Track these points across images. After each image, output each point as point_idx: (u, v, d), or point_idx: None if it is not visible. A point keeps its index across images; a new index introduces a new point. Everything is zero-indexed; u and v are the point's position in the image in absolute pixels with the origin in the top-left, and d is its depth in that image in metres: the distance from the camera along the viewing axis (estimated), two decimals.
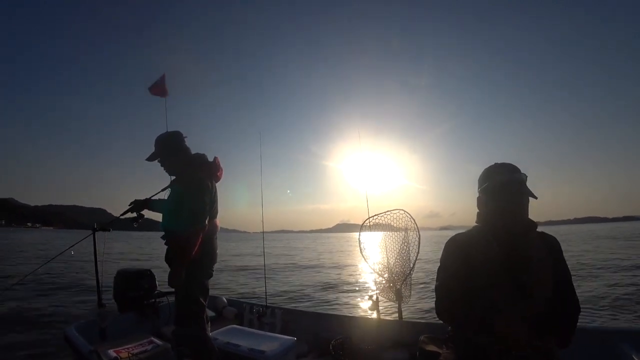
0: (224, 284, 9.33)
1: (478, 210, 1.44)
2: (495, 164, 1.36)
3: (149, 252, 18.38)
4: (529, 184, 1.31)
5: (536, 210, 1.33)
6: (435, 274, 1.43)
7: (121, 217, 2.48)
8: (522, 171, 1.32)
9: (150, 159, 2.24)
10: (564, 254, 1.35)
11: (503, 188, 1.29)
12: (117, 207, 2.49)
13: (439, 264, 1.43)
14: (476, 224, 1.44)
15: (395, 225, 2.92)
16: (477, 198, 1.42)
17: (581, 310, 1.28)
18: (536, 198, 1.28)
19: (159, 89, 3.60)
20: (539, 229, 1.35)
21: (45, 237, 47.97)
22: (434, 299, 1.39)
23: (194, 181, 2.10)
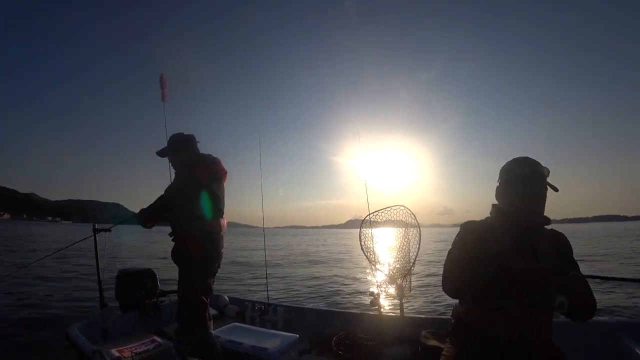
0: (225, 280, 9.34)
1: (494, 202, 1.44)
2: (520, 156, 1.38)
3: (152, 250, 18.41)
4: (550, 179, 1.32)
5: (552, 208, 1.34)
6: (439, 267, 1.43)
7: (122, 223, 2.69)
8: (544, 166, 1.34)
9: (160, 153, 2.37)
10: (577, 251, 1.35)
11: (525, 180, 1.30)
12: (133, 202, 2.45)
13: (443, 258, 1.43)
14: (489, 216, 1.45)
15: (396, 221, 2.91)
16: (497, 187, 1.43)
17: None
18: (557, 190, 1.30)
19: (164, 93, 3.40)
20: (555, 227, 1.37)
21: (62, 230, 49.06)
22: (438, 291, 1.39)
23: (187, 181, 2.16)
